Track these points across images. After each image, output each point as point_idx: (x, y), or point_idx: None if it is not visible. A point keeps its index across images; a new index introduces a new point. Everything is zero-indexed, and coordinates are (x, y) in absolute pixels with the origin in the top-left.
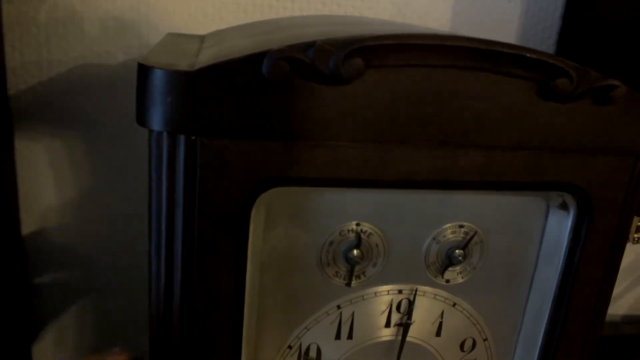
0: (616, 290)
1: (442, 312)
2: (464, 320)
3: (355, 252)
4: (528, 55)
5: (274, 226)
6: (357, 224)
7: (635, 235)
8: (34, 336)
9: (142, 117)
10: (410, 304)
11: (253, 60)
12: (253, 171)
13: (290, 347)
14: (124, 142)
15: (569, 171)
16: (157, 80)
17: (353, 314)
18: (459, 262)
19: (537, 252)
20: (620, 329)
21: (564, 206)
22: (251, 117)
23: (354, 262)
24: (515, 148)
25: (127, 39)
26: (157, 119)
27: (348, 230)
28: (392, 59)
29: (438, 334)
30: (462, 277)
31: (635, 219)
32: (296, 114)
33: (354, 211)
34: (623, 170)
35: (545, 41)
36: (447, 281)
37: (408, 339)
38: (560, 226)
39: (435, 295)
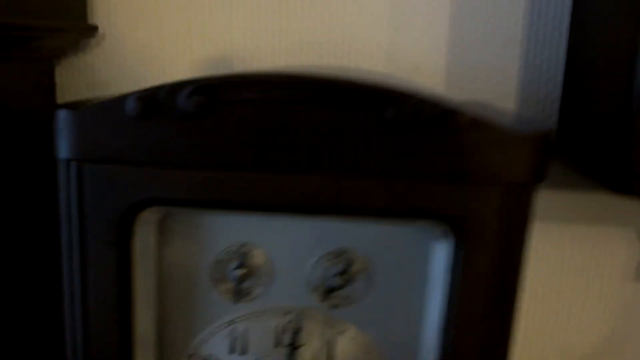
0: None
1: (331, 339)
2: (354, 350)
3: (239, 270)
4: (360, 87)
5: (167, 244)
6: (242, 245)
7: None
8: None
9: (55, 149)
10: (297, 326)
11: (120, 101)
12: (128, 192)
13: (189, 356)
14: None
15: (429, 200)
16: (60, 117)
17: (244, 330)
18: (340, 288)
19: (425, 283)
20: None
21: (445, 235)
22: (124, 147)
23: (239, 280)
24: (364, 177)
25: None
26: (60, 149)
27: (233, 250)
28: (233, 95)
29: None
30: (349, 304)
31: None
32: (157, 145)
33: (240, 232)
34: (490, 199)
35: (552, 79)
36: (334, 307)
37: None
38: (441, 257)
39: (323, 320)
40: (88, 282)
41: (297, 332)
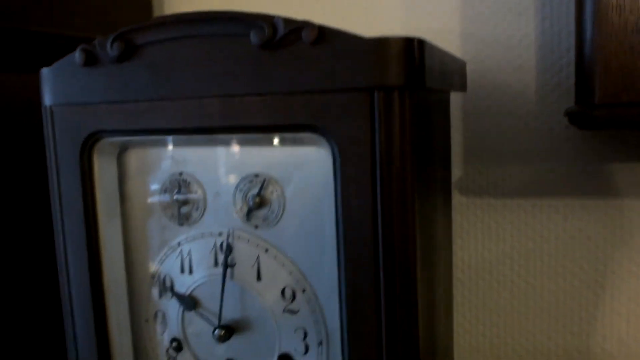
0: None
1: (258, 257)
2: (278, 268)
3: (178, 197)
4: (226, 16)
5: (127, 180)
6: (180, 174)
7: None
8: None
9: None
10: (229, 245)
11: (73, 55)
12: (79, 126)
13: (153, 276)
14: None
15: (306, 112)
16: (43, 74)
17: (190, 251)
18: (258, 207)
19: (334, 199)
20: None
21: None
22: (77, 91)
23: (179, 205)
24: (248, 96)
25: None
26: (44, 98)
27: (174, 179)
28: (141, 39)
29: (259, 278)
30: (268, 224)
31: None
32: (99, 86)
33: (179, 163)
34: (360, 106)
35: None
36: (256, 227)
37: (234, 281)
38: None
39: (249, 239)
40: (61, 208)
41: (229, 252)
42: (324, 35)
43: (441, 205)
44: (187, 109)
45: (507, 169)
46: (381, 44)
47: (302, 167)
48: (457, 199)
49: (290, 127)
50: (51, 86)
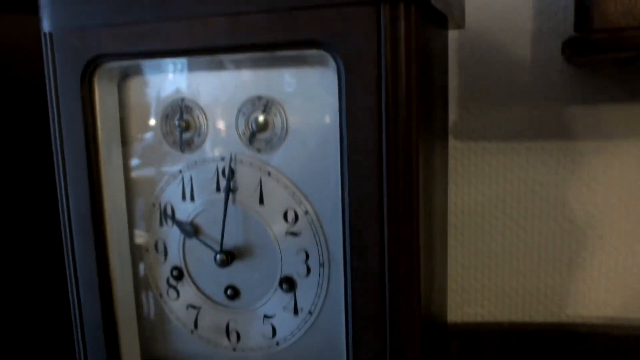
0: (600, 294)
1: (260, 180)
2: (280, 190)
3: (180, 122)
4: None
5: (127, 107)
6: (182, 99)
7: None
8: None
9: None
10: (231, 169)
11: None
12: (79, 51)
13: (153, 204)
14: None
15: (312, 27)
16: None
17: (191, 178)
18: (261, 130)
19: (339, 120)
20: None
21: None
22: (79, 13)
23: (181, 131)
24: (254, 14)
25: None
26: (43, 25)
27: (176, 105)
28: None
29: (261, 202)
30: (271, 147)
31: None
32: (100, 9)
33: (180, 89)
34: (366, 19)
35: None
36: (259, 150)
37: (236, 205)
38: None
39: (251, 163)
40: (62, 134)
41: (231, 176)
42: None
43: (440, 146)
44: (191, 29)
45: (501, 112)
46: None
47: (305, 88)
48: (451, 143)
49: (297, 43)
50: (50, 11)
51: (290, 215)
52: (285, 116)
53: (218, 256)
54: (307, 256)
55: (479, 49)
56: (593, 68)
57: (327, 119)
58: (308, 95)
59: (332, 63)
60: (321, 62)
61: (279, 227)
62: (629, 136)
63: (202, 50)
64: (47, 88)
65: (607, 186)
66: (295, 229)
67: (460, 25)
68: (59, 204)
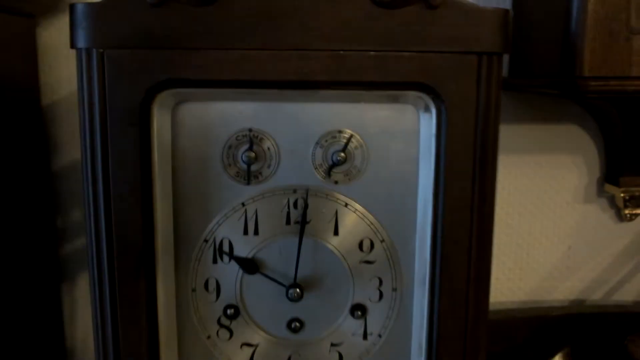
0: (620, 274)
1: (336, 212)
2: (357, 221)
3: (249, 153)
4: None
5: (181, 135)
6: (250, 130)
7: (627, 212)
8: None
9: (72, 41)
10: (305, 202)
11: None
12: (146, 74)
13: (206, 240)
14: None
15: (417, 70)
16: (78, 10)
17: (256, 211)
18: (341, 163)
19: (417, 154)
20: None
21: (427, 109)
22: (141, 33)
23: (249, 163)
24: (361, 52)
25: None
26: (79, 39)
27: (243, 135)
28: None
29: (336, 232)
30: (349, 179)
31: (621, 191)
32: (174, 28)
33: (247, 118)
34: (467, 67)
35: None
36: (336, 182)
37: (309, 237)
38: (428, 127)
39: (327, 195)
40: (110, 164)
41: (305, 208)
42: (449, 1)
43: None
44: (287, 61)
45: None
46: (490, 13)
47: (390, 124)
48: None
49: (401, 84)
50: (97, 25)
51: (366, 244)
52: (367, 150)
53: (290, 290)
54: (381, 282)
55: None
56: None
57: (405, 152)
58: (387, 130)
59: (417, 101)
60: (406, 100)
61: (354, 257)
62: (552, 150)
63: (296, 84)
64: (84, 109)
65: (521, 192)
66: (370, 257)
67: None
68: (89, 233)
